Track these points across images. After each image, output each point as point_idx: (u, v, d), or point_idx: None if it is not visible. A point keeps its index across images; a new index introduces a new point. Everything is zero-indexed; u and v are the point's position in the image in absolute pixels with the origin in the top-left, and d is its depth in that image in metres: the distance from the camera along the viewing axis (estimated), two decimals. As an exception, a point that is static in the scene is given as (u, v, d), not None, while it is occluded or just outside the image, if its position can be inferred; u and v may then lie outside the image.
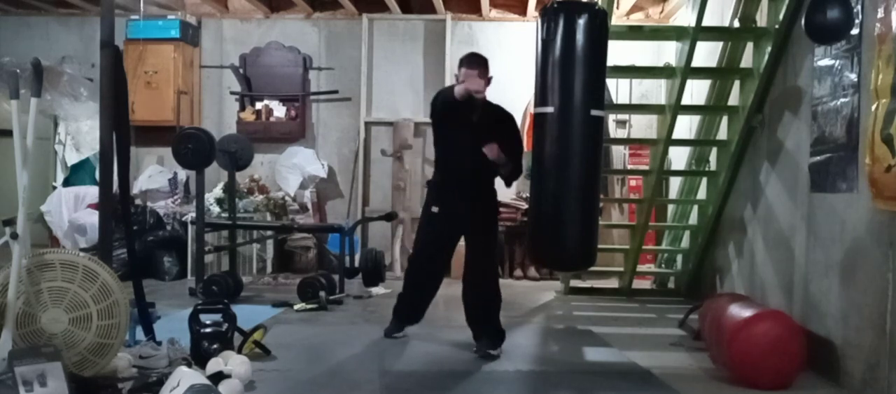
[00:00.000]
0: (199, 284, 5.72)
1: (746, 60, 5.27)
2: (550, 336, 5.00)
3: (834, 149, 3.84)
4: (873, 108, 3.27)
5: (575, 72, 4.19)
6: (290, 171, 7.68)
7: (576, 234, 4.35)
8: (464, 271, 4.44)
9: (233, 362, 3.39)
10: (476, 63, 4.28)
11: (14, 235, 3.04)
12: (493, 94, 7.82)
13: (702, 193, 6.02)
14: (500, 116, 4.46)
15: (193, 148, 5.66)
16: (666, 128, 5.50)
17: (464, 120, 4.30)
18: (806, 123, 4.23)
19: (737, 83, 5.42)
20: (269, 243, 7.28)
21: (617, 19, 7.28)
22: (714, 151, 5.81)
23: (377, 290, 6.23)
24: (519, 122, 7.83)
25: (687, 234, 6.38)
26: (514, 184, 7.71)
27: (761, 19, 5.07)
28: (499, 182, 4.43)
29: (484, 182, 4.42)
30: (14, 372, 2.77)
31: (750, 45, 5.16)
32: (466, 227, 4.39)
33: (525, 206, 7.26)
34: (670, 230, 6.61)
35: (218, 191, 7.09)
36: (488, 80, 4.29)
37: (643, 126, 7.76)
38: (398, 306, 4.64)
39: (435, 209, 4.41)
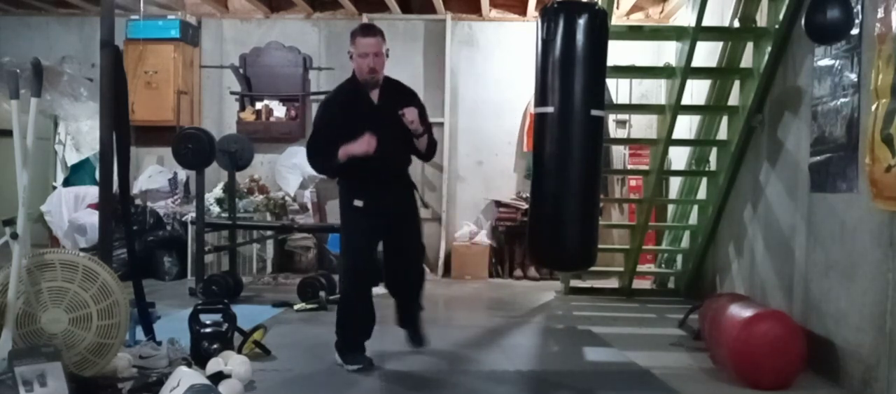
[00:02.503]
0: (199, 284, 5.73)
1: (746, 60, 5.27)
2: (550, 336, 5.00)
3: (834, 149, 3.84)
4: (873, 108, 3.27)
5: (575, 72, 4.20)
6: (290, 171, 7.68)
7: (576, 234, 4.36)
8: (390, 270, 4.09)
9: (233, 362, 3.39)
10: (372, 32, 3.81)
11: (14, 235, 3.04)
12: (495, 94, 7.91)
13: (702, 193, 6.02)
14: (403, 91, 3.97)
15: (193, 148, 5.67)
16: (666, 128, 5.50)
17: (364, 106, 3.83)
18: (806, 123, 4.23)
19: (737, 83, 5.42)
20: (269, 243, 7.28)
21: (617, 19, 7.28)
22: (714, 151, 5.81)
23: (377, 290, 6.20)
24: (519, 122, 7.91)
25: (687, 234, 6.38)
26: (514, 183, 7.89)
27: (761, 19, 5.07)
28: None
29: (404, 172, 4.00)
30: (14, 372, 2.77)
31: (750, 45, 5.16)
32: (392, 223, 3.93)
33: (525, 206, 7.27)
34: (670, 230, 6.61)
35: (218, 191, 7.09)
36: (386, 52, 3.84)
37: (643, 126, 7.76)
38: (348, 331, 3.96)
39: (358, 203, 3.84)
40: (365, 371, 3.81)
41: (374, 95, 3.85)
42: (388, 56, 3.85)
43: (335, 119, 3.84)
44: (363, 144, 3.66)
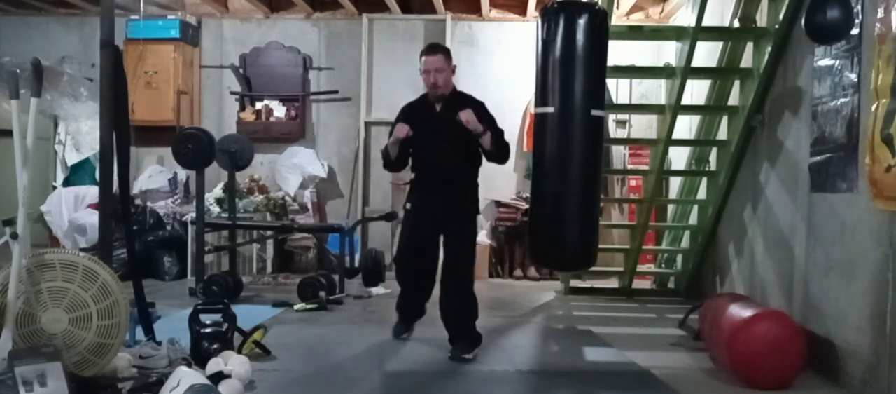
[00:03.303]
0: (199, 284, 5.72)
1: (746, 60, 5.27)
2: (550, 336, 5.00)
3: (834, 149, 3.84)
4: (873, 108, 3.27)
5: (575, 72, 4.20)
6: (290, 171, 7.68)
7: (576, 234, 4.35)
8: (441, 274, 4.29)
9: (233, 362, 3.39)
10: (435, 51, 4.22)
11: (14, 235, 3.04)
12: (495, 94, 7.90)
13: (702, 193, 6.02)
14: (465, 100, 4.25)
15: (193, 148, 5.66)
16: (666, 128, 5.50)
17: (427, 115, 4.22)
18: (806, 123, 4.23)
19: (737, 83, 5.42)
20: (269, 243, 7.28)
21: (617, 19, 7.28)
22: (714, 151, 5.81)
23: (377, 290, 6.23)
24: (519, 122, 7.90)
25: (687, 234, 6.38)
26: (514, 183, 7.89)
27: (761, 19, 5.07)
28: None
29: (459, 178, 4.25)
30: (14, 372, 2.77)
31: (750, 45, 5.16)
32: (440, 225, 4.23)
33: (525, 206, 7.27)
34: (670, 230, 6.61)
35: (218, 191, 7.09)
36: (453, 69, 4.25)
37: (643, 126, 7.76)
38: (398, 303, 4.64)
39: (408, 206, 4.37)
40: (395, 337, 4.53)
41: (439, 106, 4.23)
42: (454, 72, 4.26)
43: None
44: (395, 130, 4.17)
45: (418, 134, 4.17)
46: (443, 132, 4.14)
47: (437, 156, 4.20)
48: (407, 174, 4.53)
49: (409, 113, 4.34)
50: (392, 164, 4.36)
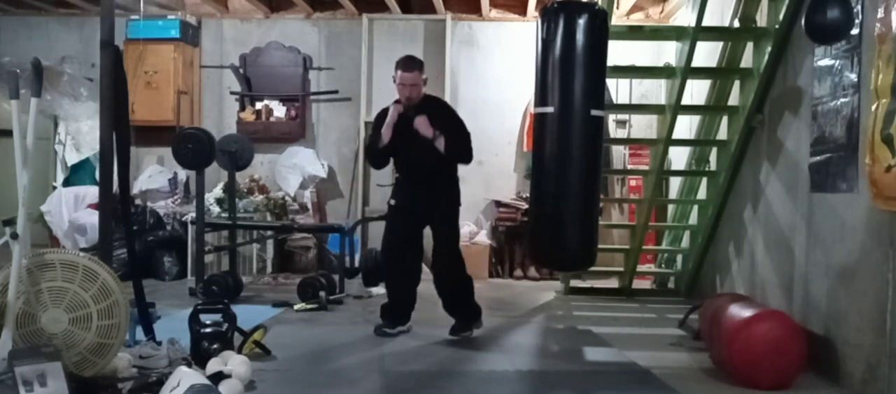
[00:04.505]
0: (199, 284, 5.72)
1: (746, 60, 5.27)
2: (550, 336, 5.00)
3: (834, 149, 3.84)
4: (873, 108, 3.27)
5: (575, 72, 4.19)
6: (290, 171, 7.68)
7: (576, 234, 4.35)
8: (433, 260, 4.76)
9: (233, 362, 3.40)
10: (411, 67, 4.56)
11: (14, 235, 3.04)
12: (494, 94, 7.92)
13: (702, 193, 6.02)
14: (435, 106, 4.70)
15: (193, 148, 5.66)
16: (666, 128, 5.50)
17: (402, 120, 4.55)
18: (806, 123, 4.23)
19: (737, 83, 5.42)
20: (269, 243, 7.28)
21: (617, 19, 7.28)
22: (714, 151, 5.81)
23: (377, 290, 6.22)
24: (519, 122, 7.91)
25: (687, 234, 6.38)
26: (514, 183, 7.90)
27: (761, 19, 5.07)
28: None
29: (438, 172, 4.61)
30: (14, 372, 2.77)
31: (750, 45, 5.16)
32: (425, 217, 4.65)
33: (525, 206, 7.27)
34: (670, 230, 6.61)
35: (218, 191, 7.09)
36: (425, 80, 4.62)
37: (643, 126, 7.76)
38: (387, 302, 4.81)
39: (392, 202, 4.74)
40: (380, 335, 4.60)
41: (412, 112, 4.55)
42: (425, 83, 4.62)
43: (381, 125, 4.66)
44: (391, 111, 4.56)
45: (397, 137, 4.56)
46: (417, 134, 4.50)
47: (415, 155, 4.58)
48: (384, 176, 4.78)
49: (383, 117, 4.65)
50: (379, 156, 4.71)
